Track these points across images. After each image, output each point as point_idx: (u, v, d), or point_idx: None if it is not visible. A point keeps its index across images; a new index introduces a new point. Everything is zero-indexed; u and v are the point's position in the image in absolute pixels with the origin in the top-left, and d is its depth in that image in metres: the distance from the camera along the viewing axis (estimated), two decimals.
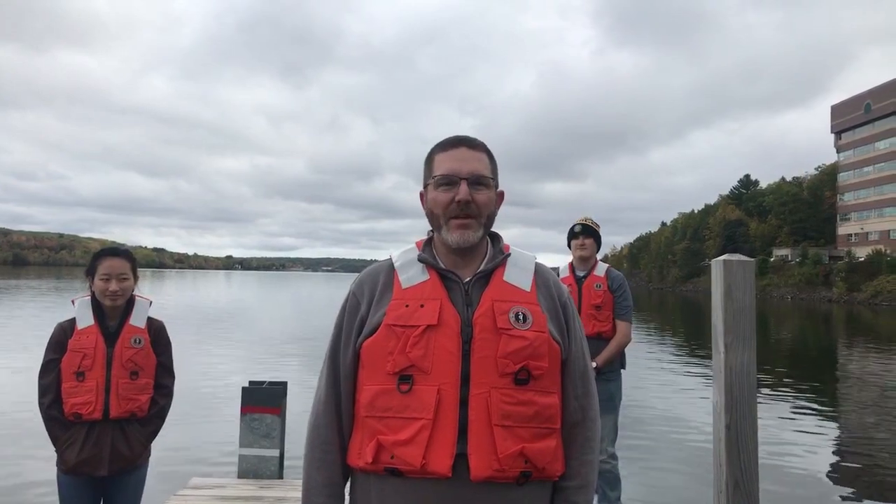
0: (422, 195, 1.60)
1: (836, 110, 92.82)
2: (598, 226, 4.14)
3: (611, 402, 3.89)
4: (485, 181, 1.52)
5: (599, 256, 4.22)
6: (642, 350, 18.24)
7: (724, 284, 2.54)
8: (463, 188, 1.48)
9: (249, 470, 4.42)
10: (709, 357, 18.08)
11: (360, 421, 1.44)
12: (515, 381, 1.40)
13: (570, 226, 4.15)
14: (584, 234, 4.05)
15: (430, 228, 1.59)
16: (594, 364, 3.84)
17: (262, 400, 4.44)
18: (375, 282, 1.54)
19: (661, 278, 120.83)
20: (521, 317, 1.45)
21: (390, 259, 1.59)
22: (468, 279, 1.51)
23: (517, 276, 1.54)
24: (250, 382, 4.63)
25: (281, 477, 4.52)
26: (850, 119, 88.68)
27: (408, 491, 1.35)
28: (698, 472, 6.77)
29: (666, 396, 11.23)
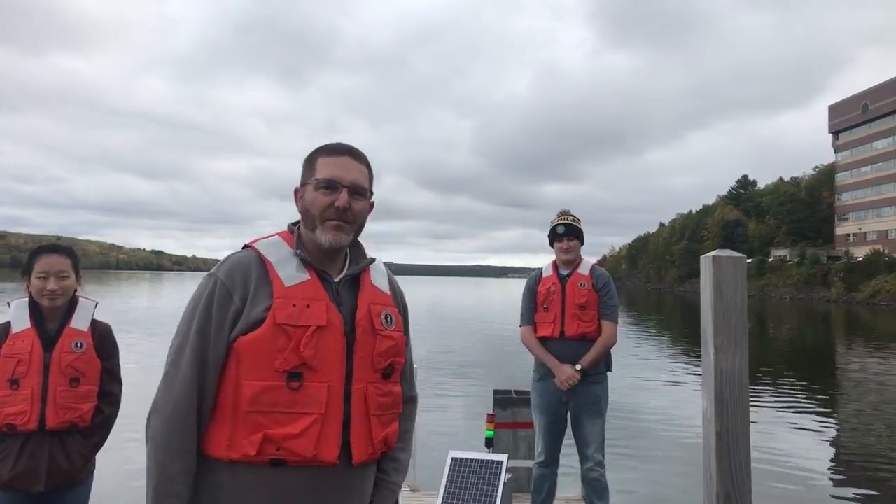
0: (297, 192, 1.66)
1: (834, 110, 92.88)
2: (579, 221, 3.92)
3: (596, 405, 3.73)
4: (363, 192, 1.64)
5: (595, 255, 4.02)
6: (638, 351, 18.12)
7: (713, 282, 2.38)
8: (343, 195, 1.58)
9: None
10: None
11: (241, 415, 1.46)
12: (383, 376, 1.58)
13: (551, 224, 3.91)
14: (569, 235, 3.83)
15: (294, 223, 1.68)
16: (578, 366, 3.69)
17: None
18: (247, 274, 1.55)
19: (659, 279, 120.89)
20: (389, 318, 1.63)
21: (255, 251, 1.59)
22: (337, 279, 1.61)
23: (380, 280, 1.70)
24: None
25: None
26: (848, 119, 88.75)
27: (284, 479, 1.45)
28: (693, 481, 6.60)
29: (660, 400, 11.09)
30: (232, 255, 1.60)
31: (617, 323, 3.82)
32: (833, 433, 9.26)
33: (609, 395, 3.85)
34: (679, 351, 19.57)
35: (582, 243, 3.91)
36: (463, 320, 30.19)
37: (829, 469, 7.37)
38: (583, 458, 3.74)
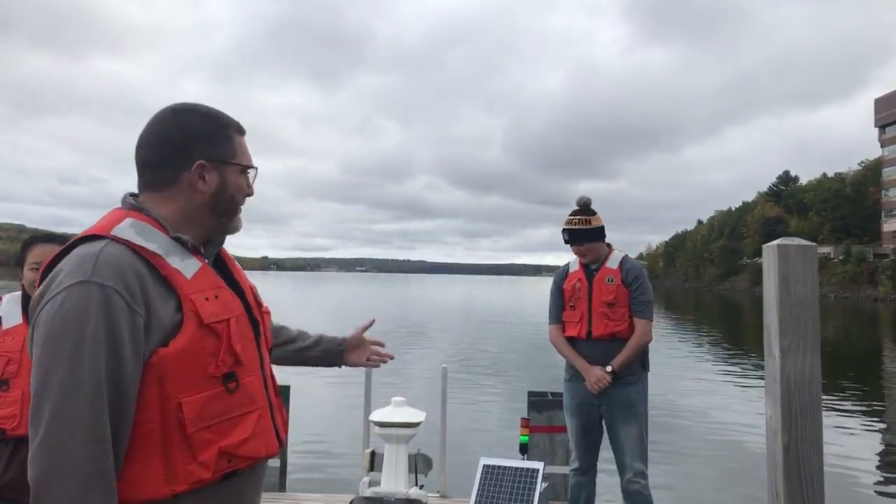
0: (203, 166, 1.38)
1: (881, 104, 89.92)
2: (593, 215, 3.50)
3: (631, 409, 3.40)
4: None
5: (632, 253, 3.71)
6: (678, 353, 17.65)
7: (779, 275, 2.10)
8: (251, 182, 1.50)
9: None
10: (751, 360, 17.62)
11: (183, 439, 1.24)
12: (270, 354, 1.53)
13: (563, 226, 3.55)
14: (576, 242, 3.48)
15: (133, 194, 1.40)
16: (609, 368, 3.40)
17: None
18: (139, 275, 1.25)
19: (697, 277, 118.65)
20: (258, 297, 1.55)
21: (127, 243, 1.27)
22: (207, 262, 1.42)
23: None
24: None
25: (283, 489, 4.19)
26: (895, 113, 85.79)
27: (238, 488, 1.34)
28: (744, 491, 6.28)
29: (706, 405, 10.68)
30: (96, 252, 1.22)
31: (651, 320, 3.49)
32: (880, 436, 8.96)
33: (648, 396, 3.57)
34: (722, 351, 19.01)
35: (600, 239, 3.55)
36: (497, 319, 29.89)
37: (877, 472, 7.13)
38: (621, 467, 3.44)
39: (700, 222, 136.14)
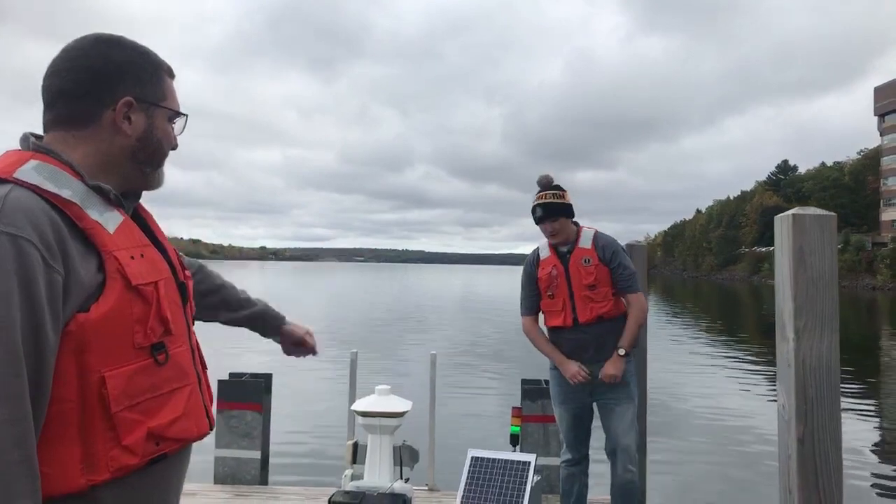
0: (130, 104, 1.18)
1: (880, 92, 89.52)
2: (563, 193, 3.34)
3: (625, 389, 3.25)
4: None
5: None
6: (676, 342, 17.51)
7: (793, 247, 1.90)
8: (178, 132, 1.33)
9: (227, 474, 3.90)
10: (750, 347, 17.49)
11: (105, 420, 1.05)
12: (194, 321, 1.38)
13: (532, 204, 3.37)
14: (550, 217, 3.28)
15: (36, 136, 1.16)
16: (622, 351, 3.23)
17: (242, 394, 3.92)
18: (56, 226, 1.03)
19: (695, 266, 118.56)
20: (183, 259, 1.40)
21: (34, 188, 1.04)
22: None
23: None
24: (230, 375, 4.12)
25: (264, 482, 4.00)
26: (895, 101, 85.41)
27: (165, 473, 1.18)
28: (744, 477, 6.11)
29: (705, 392, 10.53)
30: (1, 196, 1.00)
31: (641, 291, 3.35)
32: (876, 423, 9.02)
33: (638, 377, 3.40)
34: (720, 339, 18.87)
35: (571, 216, 3.36)
36: (494, 308, 29.73)
37: (874, 462, 7.07)
38: (613, 453, 3.28)
39: (699, 212, 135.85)
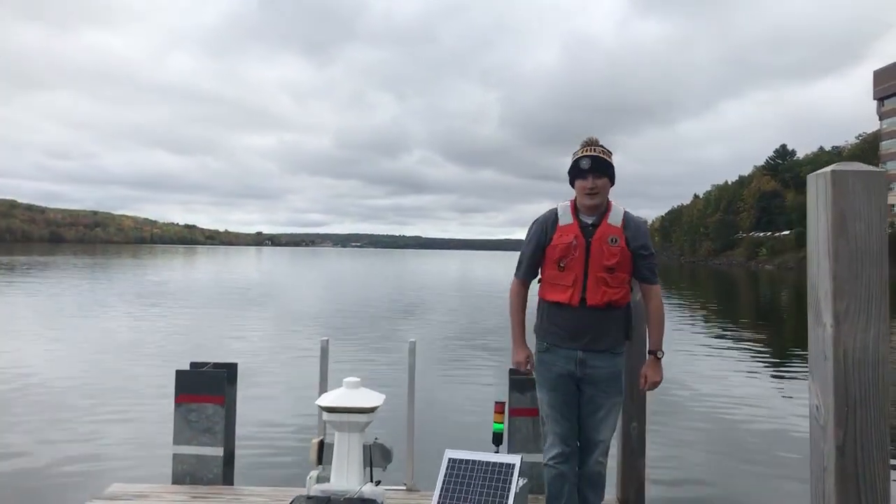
0: None
1: (879, 76, 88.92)
2: (610, 154, 3.01)
3: (616, 382, 2.98)
4: None
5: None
6: (677, 329, 17.24)
7: (832, 212, 1.54)
8: None
9: (185, 473, 3.56)
10: (746, 332, 17.25)
11: None
12: None
13: (573, 157, 2.99)
14: (595, 171, 2.91)
15: None
16: (661, 354, 2.96)
17: (202, 386, 3.57)
18: None
19: (693, 252, 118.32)
20: None
21: None
22: None
23: None
24: (191, 364, 3.77)
25: (228, 482, 3.65)
26: (895, 85, 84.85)
27: None
28: (739, 467, 5.81)
29: (703, 379, 10.23)
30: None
31: (659, 284, 3.03)
32: None
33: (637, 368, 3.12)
34: (718, 324, 18.61)
35: (612, 183, 3.00)
36: (489, 294, 29.40)
37: None
38: (588, 446, 2.99)
39: (696, 196, 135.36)
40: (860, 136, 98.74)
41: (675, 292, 32.17)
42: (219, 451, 3.58)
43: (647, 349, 2.99)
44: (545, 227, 3.04)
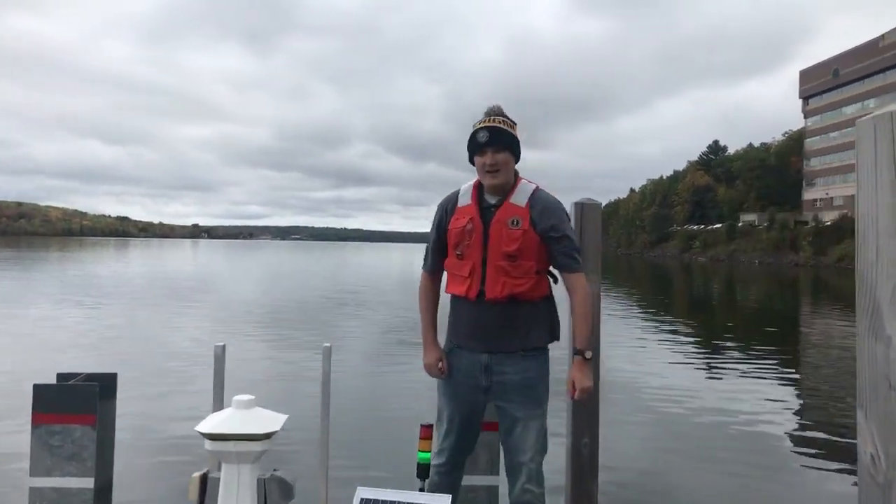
0: None
1: (805, 76, 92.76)
2: (514, 124, 2.60)
3: (532, 391, 2.51)
4: None
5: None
6: (617, 319, 17.16)
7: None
8: None
9: None
10: (685, 320, 17.30)
11: None
12: None
13: (473, 129, 2.58)
14: (494, 144, 2.50)
15: None
16: (589, 354, 2.50)
17: (68, 403, 2.90)
18: None
19: (629, 244, 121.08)
20: None
21: None
22: None
23: None
24: (58, 376, 3.10)
25: None
26: (819, 84, 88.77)
27: None
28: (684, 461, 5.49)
29: (649, 371, 10.00)
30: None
31: (584, 270, 2.58)
32: (794, 393, 9.10)
33: (550, 375, 2.63)
34: (655, 315, 18.68)
35: (517, 159, 2.58)
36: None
37: (791, 429, 7.04)
38: (513, 470, 2.52)
39: (632, 191, 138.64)
40: (787, 133, 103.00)
41: (612, 283, 32.49)
42: (88, 483, 2.92)
43: (573, 349, 2.56)
44: (444, 209, 2.67)
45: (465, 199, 2.61)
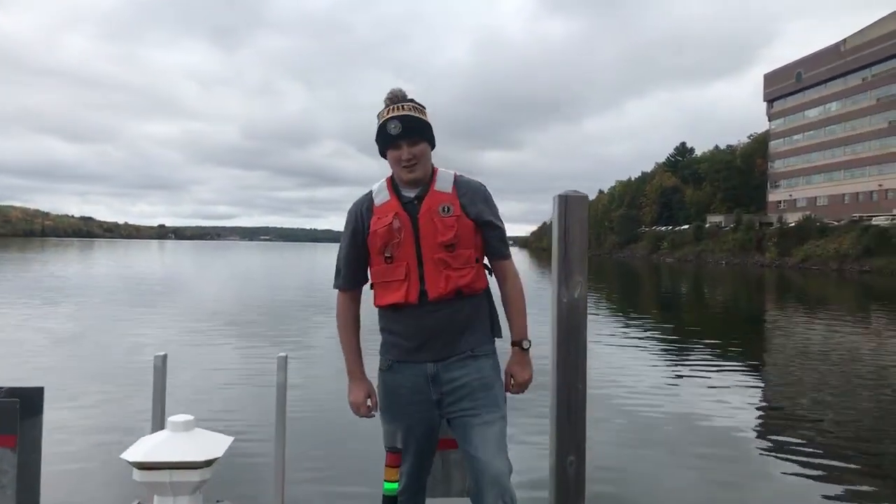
0: None
1: (770, 79, 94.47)
2: (424, 110, 2.34)
3: (488, 392, 2.29)
4: None
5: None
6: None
7: None
8: None
9: None
10: (655, 321, 17.18)
11: None
12: None
13: (378, 120, 2.31)
14: (409, 135, 2.26)
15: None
16: (527, 343, 2.36)
17: None
18: None
19: (598, 245, 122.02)
20: None
21: None
22: None
23: None
24: None
25: None
26: (782, 87, 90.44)
27: None
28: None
29: (622, 373, 9.82)
30: None
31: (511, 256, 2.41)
32: (759, 390, 9.20)
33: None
34: (624, 313, 18.62)
35: (432, 146, 2.35)
36: None
37: (755, 426, 7.17)
38: (480, 481, 2.17)
39: (601, 192, 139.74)
40: (751, 135, 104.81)
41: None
42: None
43: (511, 340, 2.39)
44: (359, 214, 2.36)
45: (382, 197, 2.33)
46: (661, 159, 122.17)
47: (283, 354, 2.68)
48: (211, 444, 1.99)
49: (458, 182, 2.34)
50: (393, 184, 2.34)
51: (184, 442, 1.97)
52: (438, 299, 2.21)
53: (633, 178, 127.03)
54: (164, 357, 2.65)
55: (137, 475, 1.93)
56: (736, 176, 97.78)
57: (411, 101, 2.31)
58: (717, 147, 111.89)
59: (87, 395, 7.30)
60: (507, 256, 2.40)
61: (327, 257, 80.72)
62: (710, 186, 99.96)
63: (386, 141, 2.27)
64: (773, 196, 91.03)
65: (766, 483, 5.31)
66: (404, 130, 2.23)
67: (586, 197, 2.65)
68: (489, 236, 2.33)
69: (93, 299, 19.32)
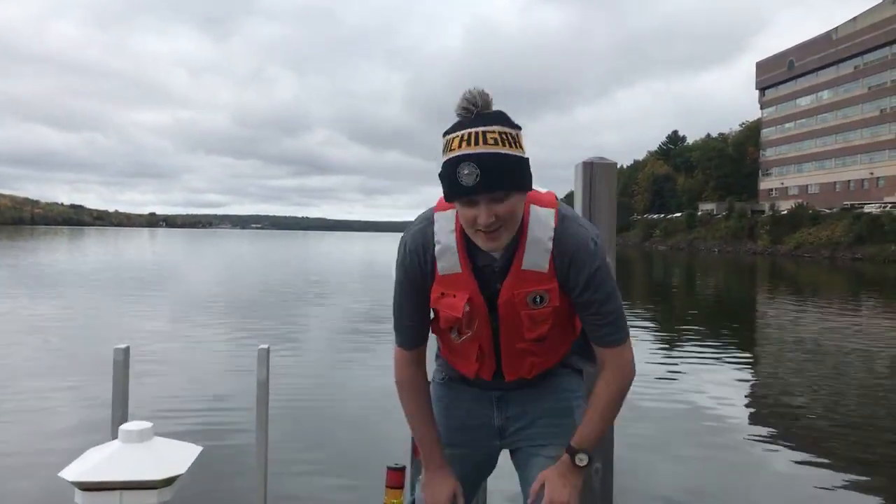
0: None
1: (762, 67, 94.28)
2: (516, 134, 1.51)
3: (566, 421, 1.83)
4: None
5: None
6: None
7: None
8: None
9: None
10: (647, 308, 16.98)
11: None
12: None
13: (447, 150, 1.50)
14: (491, 188, 1.45)
15: None
16: (582, 459, 1.62)
17: None
18: None
19: None
20: None
21: None
22: None
23: None
24: None
25: None
26: (774, 76, 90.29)
27: None
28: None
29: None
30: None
31: (627, 341, 1.67)
32: (751, 378, 9.13)
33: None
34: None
35: (528, 188, 1.54)
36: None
37: (746, 414, 7.16)
38: None
39: None
40: (743, 123, 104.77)
41: None
42: None
43: (568, 442, 1.66)
44: (419, 262, 1.66)
45: (448, 259, 1.62)
46: (653, 148, 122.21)
47: (264, 346, 2.32)
48: (172, 458, 1.63)
49: (558, 244, 1.57)
50: (463, 235, 1.61)
51: (138, 455, 1.60)
52: (517, 381, 1.75)
53: (625, 167, 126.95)
54: (127, 350, 2.28)
55: (80, 497, 1.57)
56: (728, 164, 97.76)
57: (498, 118, 1.50)
58: (708, 135, 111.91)
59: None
60: (617, 343, 1.64)
61: (317, 246, 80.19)
62: (702, 174, 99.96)
63: (455, 191, 1.48)
64: (764, 184, 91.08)
65: (756, 473, 5.24)
66: (484, 180, 1.44)
67: (615, 164, 2.29)
68: (592, 322, 1.63)
69: (75, 287, 18.88)
